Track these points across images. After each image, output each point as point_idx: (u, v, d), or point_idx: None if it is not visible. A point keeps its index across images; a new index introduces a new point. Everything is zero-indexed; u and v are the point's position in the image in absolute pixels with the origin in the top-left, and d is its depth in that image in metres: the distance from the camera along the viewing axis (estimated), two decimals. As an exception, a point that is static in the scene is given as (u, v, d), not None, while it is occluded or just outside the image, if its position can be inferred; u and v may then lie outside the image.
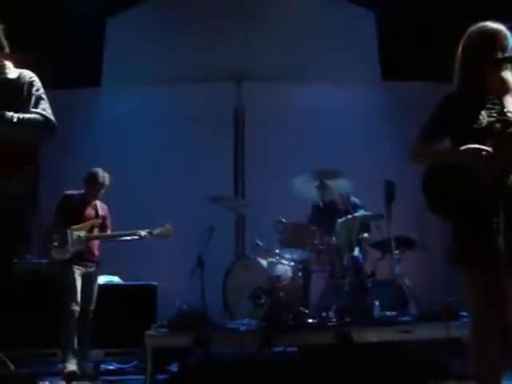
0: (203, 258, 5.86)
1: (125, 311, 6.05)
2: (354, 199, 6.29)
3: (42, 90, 3.39)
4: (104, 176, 5.84)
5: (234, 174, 7.42)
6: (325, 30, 7.66)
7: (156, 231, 5.91)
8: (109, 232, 5.97)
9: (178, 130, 7.42)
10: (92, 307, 5.66)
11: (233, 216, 7.07)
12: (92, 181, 5.80)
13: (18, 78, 3.35)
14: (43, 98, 3.38)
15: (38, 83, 3.40)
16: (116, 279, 6.60)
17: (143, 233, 5.84)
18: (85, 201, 5.85)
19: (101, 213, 5.91)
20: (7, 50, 3.37)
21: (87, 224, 5.73)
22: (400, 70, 7.39)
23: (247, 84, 7.56)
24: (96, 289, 5.77)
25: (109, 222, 6.00)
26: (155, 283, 6.46)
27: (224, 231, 6.70)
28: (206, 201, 6.30)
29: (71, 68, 7.14)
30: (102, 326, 5.79)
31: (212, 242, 6.01)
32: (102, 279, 6.40)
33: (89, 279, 5.68)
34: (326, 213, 6.04)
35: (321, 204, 6.02)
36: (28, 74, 3.40)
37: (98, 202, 5.95)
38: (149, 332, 5.06)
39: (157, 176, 7.16)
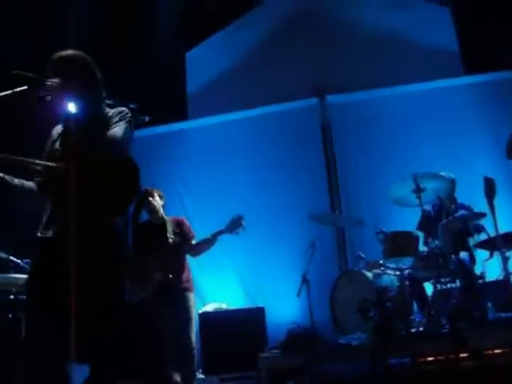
0: (308, 276, 5.87)
1: (235, 336, 6.14)
2: (457, 201, 6.13)
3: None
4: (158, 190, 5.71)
5: (329, 189, 7.39)
6: (402, 33, 7.56)
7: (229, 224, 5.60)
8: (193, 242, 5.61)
9: (267, 152, 7.49)
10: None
11: (332, 231, 7.04)
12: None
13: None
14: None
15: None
16: (224, 306, 6.73)
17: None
18: (151, 223, 5.67)
19: (175, 230, 5.61)
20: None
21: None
22: (482, 62, 7.17)
23: (330, 97, 7.54)
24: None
25: (190, 234, 5.68)
26: (263, 306, 6.53)
27: (325, 247, 6.71)
28: (304, 220, 6.35)
29: (158, 105, 7.40)
30: (214, 353, 5.91)
31: (315, 259, 6.03)
32: (211, 307, 6.56)
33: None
34: (431, 217, 5.92)
35: (427, 209, 5.91)
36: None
37: (168, 219, 5.67)
38: (262, 355, 5.11)
39: (252, 201, 7.22)
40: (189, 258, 5.73)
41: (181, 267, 5.53)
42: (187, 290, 5.50)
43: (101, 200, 3.00)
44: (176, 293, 5.37)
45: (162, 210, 5.68)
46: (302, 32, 7.82)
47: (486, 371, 4.15)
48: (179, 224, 5.69)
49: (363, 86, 7.37)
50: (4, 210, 5.81)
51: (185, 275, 5.53)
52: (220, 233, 5.56)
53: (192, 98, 8.25)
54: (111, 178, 3.04)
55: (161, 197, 5.76)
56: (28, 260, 4.82)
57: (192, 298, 5.54)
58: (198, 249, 5.61)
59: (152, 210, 5.63)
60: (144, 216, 5.77)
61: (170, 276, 5.29)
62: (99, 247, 3.05)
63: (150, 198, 5.63)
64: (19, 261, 4.99)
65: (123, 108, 3.39)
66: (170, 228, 5.52)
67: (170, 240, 5.45)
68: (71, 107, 3.16)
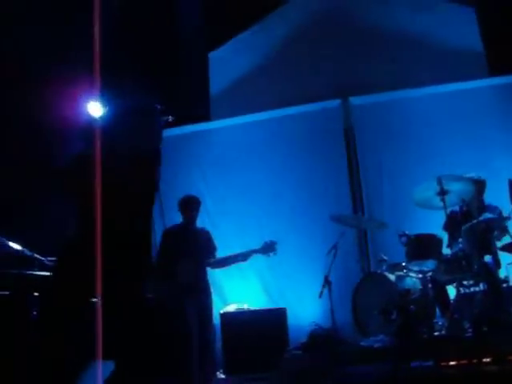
0: (330, 278, 5.87)
1: (257, 337, 6.15)
2: (484, 202, 6.07)
3: None
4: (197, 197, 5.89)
5: (351, 191, 7.36)
6: (426, 34, 7.50)
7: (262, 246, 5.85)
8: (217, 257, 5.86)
9: (290, 153, 7.48)
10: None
11: (354, 233, 7.01)
12: (195, 205, 5.85)
13: None
14: None
15: None
16: (246, 306, 6.74)
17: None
18: (185, 229, 5.85)
19: (202, 238, 5.85)
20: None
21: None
22: (508, 63, 7.08)
23: (353, 99, 7.50)
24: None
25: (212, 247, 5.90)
26: (285, 307, 6.53)
27: (347, 249, 6.69)
28: (327, 222, 6.35)
29: (181, 106, 7.43)
30: (235, 353, 5.92)
31: (337, 260, 6.02)
32: (233, 307, 6.57)
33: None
34: (457, 219, 5.88)
35: (452, 211, 5.87)
36: None
37: (198, 228, 5.93)
38: (284, 356, 5.11)
39: (275, 202, 7.23)
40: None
41: (204, 274, 5.73)
42: (208, 291, 5.70)
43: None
44: (199, 294, 5.46)
45: None
46: (325, 33, 7.79)
47: (510, 377, 4.11)
48: (205, 235, 5.89)
49: (386, 87, 7.33)
50: (29, 208, 5.91)
51: (206, 279, 5.73)
52: (253, 252, 5.75)
53: (215, 99, 8.27)
54: None
55: None
56: (52, 258, 4.88)
57: (212, 298, 5.75)
58: (223, 263, 5.78)
59: (195, 218, 5.79)
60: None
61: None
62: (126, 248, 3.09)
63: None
64: (43, 258, 5.05)
65: None
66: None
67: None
68: None
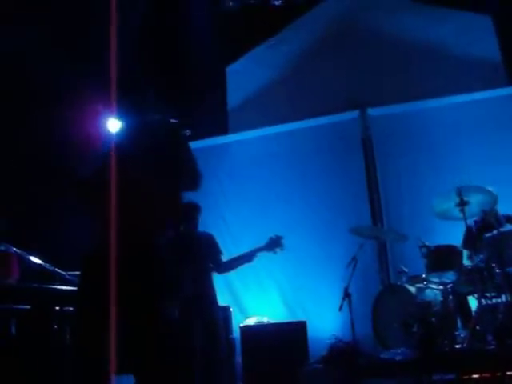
0: (349, 290, 5.83)
1: (277, 349, 6.13)
2: (501, 214, 6.02)
3: None
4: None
5: (370, 203, 7.33)
6: (443, 43, 7.49)
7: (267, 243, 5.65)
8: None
9: (308, 166, 7.47)
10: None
11: (374, 245, 6.97)
12: (195, 211, 5.63)
13: None
14: None
15: None
16: (265, 319, 6.73)
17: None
18: (187, 236, 5.60)
19: (206, 243, 5.63)
20: None
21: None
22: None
23: (371, 110, 7.50)
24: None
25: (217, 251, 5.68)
26: (305, 319, 6.51)
27: (367, 261, 6.66)
28: (346, 233, 6.33)
29: (199, 120, 7.46)
30: (255, 366, 5.91)
31: (356, 273, 5.99)
32: (252, 320, 6.56)
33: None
34: (476, 231, 5.83)
35: (471, 224, 5.83)
36: None
37: (200, 234, 5.71)
38: (303, 369, 5.09)
39: (292, 215, 7.22)
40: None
41: (209, 282, 5.53)
42: (215, 300, 5.49)
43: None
44: (204, 306, 5.37)
45: None
46: (341, 45, 7.83)
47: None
48: (208, 239, 5.71)
49: (405, 98, 7.31)
50: (51, 222, 5.96)
51: (213, 290, 5.54)
52: (258, 250, 5.61)
53: (232, 112, 8.31)
54: None
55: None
56: (73, 272, 4.91)
57: (218, 311, 5.54)
58: (230, 266, 5.66)
59: (196, 225, 5.69)
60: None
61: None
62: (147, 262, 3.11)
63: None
64: (64, 273, 5.08)
65: None
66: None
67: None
68: None
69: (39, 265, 5.06)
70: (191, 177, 3.48)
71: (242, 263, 5.66)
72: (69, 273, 5.02)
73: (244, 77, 8.29)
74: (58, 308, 4.82)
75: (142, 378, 3.09)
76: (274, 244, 5.63)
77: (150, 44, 7.60)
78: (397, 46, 7.59)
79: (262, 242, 5.61)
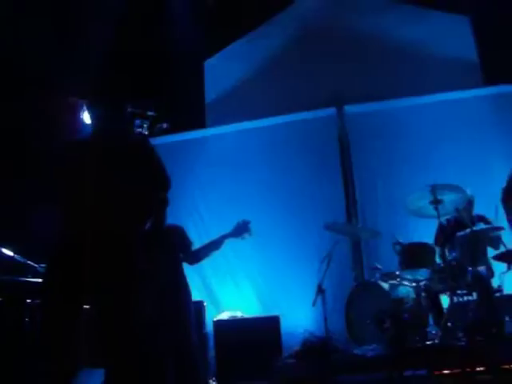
0: (323, 286, 5.85)
1: (250, 344, 6.13)
2: (474, 213, 6.10)
3: None
4: None
5: (346, 199, 7.37)
6: (421, 43, 7.55)
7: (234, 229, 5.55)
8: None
9: (284, 161, 7.47)
10: None
11: (348, 242, 7.01)
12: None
13: None
14: None
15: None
16: (239, 314, 6.73)
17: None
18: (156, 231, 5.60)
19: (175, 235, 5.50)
20: None
21: None
22: (503, 73, 7.11)
23: (348, 108, 7.53)
24: None
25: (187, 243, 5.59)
26: (278, 314, 6.52)
27: (341, 257, 6.69)
28: (320, 230, 6.35)
29: (176, 113, 7.43)
30: (228, 361, 5.90)
31: (330, 269, 6.01)
32: (226, 315, 6.56)
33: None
34: (448, 229, 5.89)
35: (443, 221, 5.88)
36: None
37: (170, 226, 5.43)
38: (276, 364, 5.10)
39: (268, 210, 7.21)
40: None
41: (181, 272, 5.45)
42: (187, 290, 5.40)
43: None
44: (176, 297, 5.32)
45: None
46: (320, 42, 7.83)
47: (503, 386, 4.12)
48: (177, 231, 5.63)
49: (382, 96, 7.36)
50: (22, 214, 5.89)
51: (184, 279, 5.50)
52: (225, 237, 5.55)
53: (210, 106, 8.28)
54: None
55: None
56: (44, 264, 4.86)
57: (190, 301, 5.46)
58: (198, 255, 5.60)
59: (164, 219, 5.61)
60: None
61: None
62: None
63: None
64: (36, 265, 5.03)
65: None
66: None
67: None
68: None
69: (11, 257, 5.00)
70: (160, 180, 3.47)
71: (211, 251, 5.58)
72: (41, 265, 4.97)
73: (222, 71, 8.26)
74: (29, 300, 4.77)
75: (112, 369, 3.06)
76: (240, 229, 5.56)
77: (127, 38, 7.54)
78: (375, 45, 7.63)
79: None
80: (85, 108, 3.40)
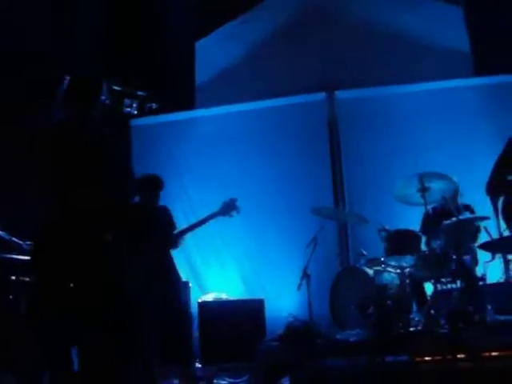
0: (308, 271, 5.88)
1: (234, 326, 6.17)
2: (460, 201, 6.13)
3: None
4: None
5: (333, 185, 7.38)
6: (413, 31, 7.53)
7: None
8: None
9: (273, 145, 7.47)
10: None
11: (334, 226, 7.04)
12: (157, 185, 5.59)
13: None
14: None
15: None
16: (224, 296, 6.76)
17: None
18: (146, 209, 5.55)
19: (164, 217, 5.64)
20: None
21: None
22: (494, 63, 7.12)
23: (339, 93, 7.51)
24: None
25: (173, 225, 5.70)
26: (263, 298, 6.55)
27: (327, 242, 6.72)
28: (307, 214, 6.37)
29: (166, 93, 7.38)
30: (212, 342, 5.92)
31: (316, 253, 6.04)
32: (211, 296, 6.58)
33: None
34: (434, 217, 5.92)
35: (429, 209, 5.91)
36: None
37: (159, 207, 5.69)
38: (259, 346, 5.13)
39: (255, 193, 7.20)
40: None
41: (168, 254, 5.54)
42: (175, 272, 5.53)
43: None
44: (163, 279, 5.35)
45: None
46: (313, 26, 7.78)
47: (483, 373, 4.16)
48: (166, 213, 5.68)
49: (373, 82, 7.35)
50: (7, 191, 5.85)
51: (172, 262, 5.54)
52: (213, 216, 5.59)
53: (200, 88, 8.23)
54: None
55: None
56: (30, 242, 4.84)
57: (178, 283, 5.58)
58: (181, 238, 5.62)
59: (158, 198, 5.63)
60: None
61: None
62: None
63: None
64: (22, 242, 5.00)
65: None
66: None
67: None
68: None
69: (-4, 234, 4.98)
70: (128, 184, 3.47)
71: (194, 230, 5.62)
72: (26, 242, 4.95)
73: (213, 52, 8.20)
74: (14, 278, 4.76)
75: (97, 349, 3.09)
76: (228, 207, 5.64)
77: (119, 17, 7.47)
78: (367, 31, 7.59)
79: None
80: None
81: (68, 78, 3.43)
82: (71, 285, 3.06)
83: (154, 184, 5.57)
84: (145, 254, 5.23)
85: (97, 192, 3.17)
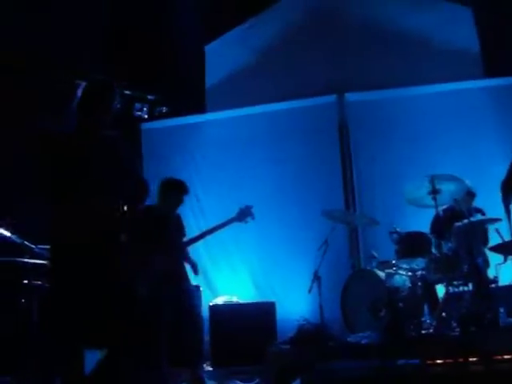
0: (319, 273, 5.87)
1: (245, 329, 6.17)
2: (471, 204, 6.10)
3: None
4: None
5: (344, 187, 7.36)
6: (423, 32, 7.51)
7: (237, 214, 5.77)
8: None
9: (283, 148, 7.46)
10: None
11: (345, 229, 7.02)
12: (181, 189, 5.58)
13: None
14: None
15: None
16: (235, 299, 6.76)
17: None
18: (166, 215, 5.54)
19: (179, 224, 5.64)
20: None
21: None
22: (504, 65, 7.09)
23: (349, 95, 7.50)
24: None
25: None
26: (274, 300, 6.55)
27: (338, 245, 6.69)
28: (318, 217, 6.35)
29: (176, 97, 7.41)
30: (223, 345, 5.92)
31: (327, 256, 6.03)
32: (222, 299, 6.58)
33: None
34: (445, 219, 5.89)
35: (439, 211, 5.88)
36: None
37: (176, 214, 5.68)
38: (270, 349, 5.12)
39: (266, 196, 7.19)
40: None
41: (181, 259, 5.55)
42: (187, 277, 5.54)
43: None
44: (176, 283, 5.37)
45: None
46: (322, 29, 7.77)
47: (495, 376, 4.13)
48: (180, 220, 5.70)
49: (383, 85, 7.33)
50: (19, 195, 5.88)
51: (183, 267, 5.56)
52: (229, 222, 5.65)
53: (210, 91, 8.25)
54: None
55: None
56: (42, 246, 4.87)
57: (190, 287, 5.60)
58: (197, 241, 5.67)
59: (179, 205, 5.63)
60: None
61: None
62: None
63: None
64: (34, 246, 5.03)
65: None
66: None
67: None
68: None
69: (8, 238, 5.00)
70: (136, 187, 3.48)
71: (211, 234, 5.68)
72: (38, 246, 4.98)
73: (223, 56, 8.22)
74: (26, 281, 4.78)
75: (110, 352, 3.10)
76: (244, 214, 5.71)
77: (129, 21, 7.51)
78: (378, 33, 7.58)
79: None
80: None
81: (83, 84, 3.45)
82: (84, 287, 3.07)
83: (178, 188, 5.57)
84: (158, 256, 5.26)
85: (105, 194, 3.19)
